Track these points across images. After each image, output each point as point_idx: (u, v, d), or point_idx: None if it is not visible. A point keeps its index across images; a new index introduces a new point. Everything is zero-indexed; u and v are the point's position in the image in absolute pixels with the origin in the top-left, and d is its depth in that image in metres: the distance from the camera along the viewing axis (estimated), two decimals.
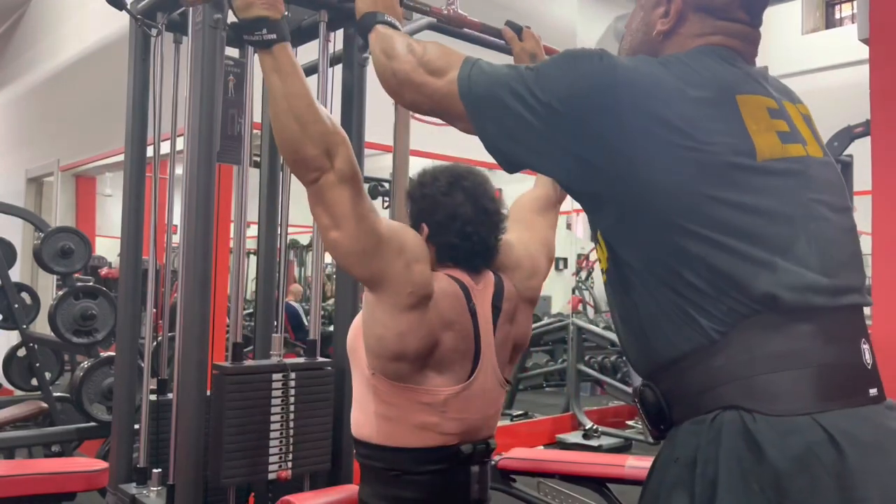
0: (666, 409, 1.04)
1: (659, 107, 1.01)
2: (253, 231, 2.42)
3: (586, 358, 5.65)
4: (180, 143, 1.88)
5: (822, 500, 0.91)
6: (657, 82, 1.03)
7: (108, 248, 7.38)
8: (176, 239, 2.01)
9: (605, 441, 5.23)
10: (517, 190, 1.56)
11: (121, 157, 2.24)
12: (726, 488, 0.93)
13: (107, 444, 3.37)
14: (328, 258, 2.03)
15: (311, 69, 2.23)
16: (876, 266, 2.89)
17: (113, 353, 2.96)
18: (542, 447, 4.90)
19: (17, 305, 4.17)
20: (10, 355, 4.42)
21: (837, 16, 9.13)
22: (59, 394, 3.99)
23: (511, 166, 1.16)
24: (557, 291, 7.43)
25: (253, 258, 2.53)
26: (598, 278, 7.55)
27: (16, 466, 2.50)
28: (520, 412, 5.54)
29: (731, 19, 1.13)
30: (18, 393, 4.43)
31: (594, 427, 5.30)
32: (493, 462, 1.59)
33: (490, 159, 1.17)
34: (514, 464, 2.37)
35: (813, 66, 7.92)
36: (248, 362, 1.86)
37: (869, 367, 1.01)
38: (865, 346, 1.02)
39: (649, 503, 1.04)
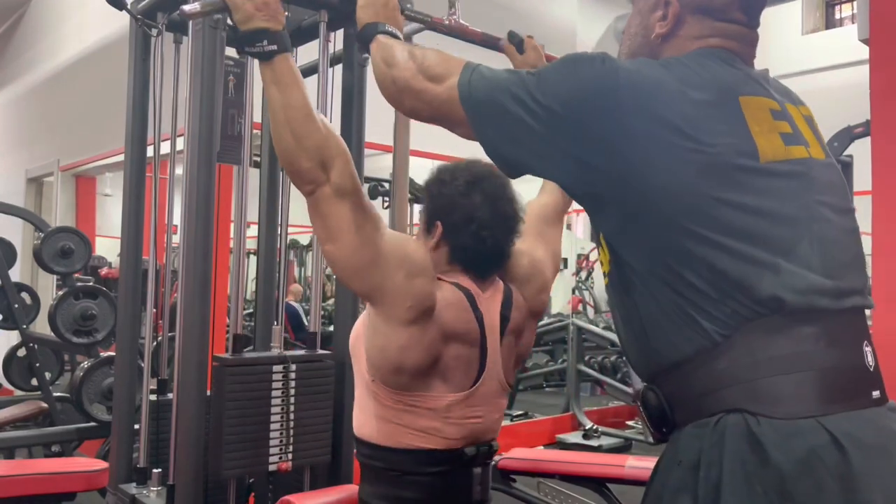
0: (668, 412, 1.04)
1: (661, 109, 1.01)
2: (253, 231, 2.42)
3: (586, 358, 5.65)
4: (180, 143, 1.88)
5: (826, 502, 0.91)
6: (659, 84, 1.03)
7: (108, 248, 7.39)
8: (176, 239, 2.01)
9: (605, 441, 5.23)
10: (524, 190, 1.54)
11: (121, 157, 2.24)
12: (730, 491, 0.93)
13: (107, 444, 3.37)
14: None
15: (311, 69, 2.23)
16: (876, 266, 2.89)
17: (113, 353, 2.96)
18: (542, 447, 4.90)
19: (17, 305, 4.17)
20: (10, 355, 4.42)
21: (837, 16, 9.13)
22: (59, 394, 3.99)
23: (512, 170, 1.16)
24: (557, 291, 7.42)
25: (253, 258, 2.54)
26: (599, 278, 7.56)
27: (16, 466, 2.50)
28: (520, 412, 5.54)
29: (729, 20, 1.13)
30: (18, 393, 4.43)
31: (594, 427, 5.31)
32: (493, 462, 1.58)
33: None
34: (514, 464, 2.37)
35: (813, 67, 7.92)
36: (249, 354, 1.86)
37: (871, 369, 1.01)
38: (868, 349, 1.02)
39: None
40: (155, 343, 2.46)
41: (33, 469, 2.29)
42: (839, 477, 0.91)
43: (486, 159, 1.17)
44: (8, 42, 8.21)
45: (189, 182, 1.78)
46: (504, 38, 1.77)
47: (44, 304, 4.57)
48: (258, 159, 2.33)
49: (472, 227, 1.44)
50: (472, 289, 1.45)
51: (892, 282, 2.77)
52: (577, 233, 8.72)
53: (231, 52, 1.99)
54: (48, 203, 7.12)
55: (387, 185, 5.43)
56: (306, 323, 6.29)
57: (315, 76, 1.98)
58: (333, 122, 1.97)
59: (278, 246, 2.33)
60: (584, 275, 7.96)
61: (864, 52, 3.26)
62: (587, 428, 5.32)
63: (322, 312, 2.20)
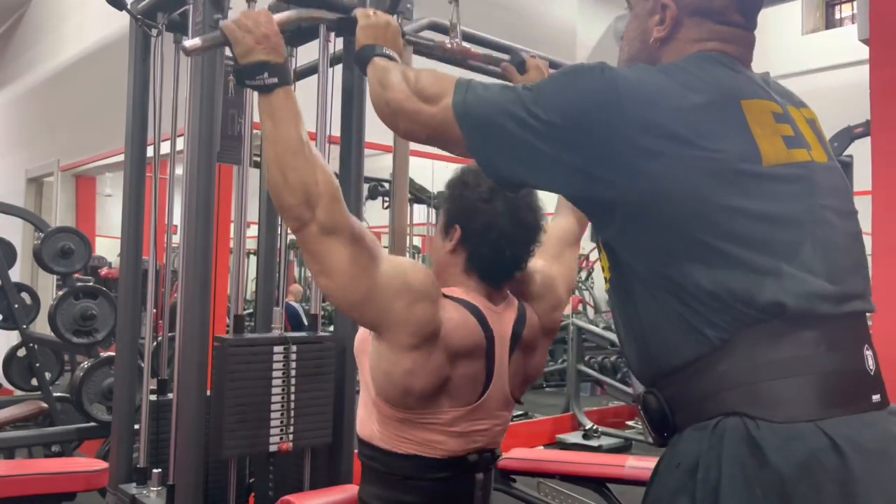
0: (669, 416, 1.04)
1: (664, 116, 1.00)
2: (253, 231, 2.42)
3: (586, 358, 5.65)
4: (180, 144, 1.88)
5: None
6: (660, 91, 1.03)
7: (108, 248, 7.38)
8: (176, 239, 2.01)
9: (605, 441, 5.23)
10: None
11: (121, 157, 2.24)
12: (729, 494, 0.93)
13: (107, 444, 3.37)
14: None
15: (311, 69, 2.23)
16: (876, 266, 2.89)
17: (113, 353, 2.96)
18: (542, 447, 4.90)
19: (17, 305, 4.17)
20: (10, 355, 4.42)
21: (837, 16, 9.13)
22: (59, 394, 3.99)
23: (509, 187, 1.16)
24: None
25: (253, 258, 2.54)
26: (599, 278, 7.55)
27: (16, 466, 2.51)
28: (520, 412, 5.54)
29: (727, 23, 1.12)
30: (18, 393, 4.43)
31: (594, 427, 5.31)
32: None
33: None
34: (514, 464, 2.38)
35: (813, 67, 7.91)
36: (250, 335, 1.86)
37: (872, 373, 1.01)
38: (868, 353, 1.02)
39: None
40: (155, 343, 2.46)
41: (33, 469, 2.30)
42: (838, 481, 0.91)
43: None
44: (8, 42, 8.21)
45: (189, 182, 1.78)
46: (506, 60, 1.76)
47: (44, 304, 4.57)
48: (258, 159, 2.33)
49: (491, 235, 1.41)
50: (483, 304, 1.42)
51: (892, 282, 2.77)
52: None
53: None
54: (48, 203, 7.12)
55: (387, 185, 5.43)
56: (306, 323, 6.30)
57: (315, 76, 1.98)
58: (333, 122, 1.99)
59: (278, 246, 2.33)
60: (584, 275, 7.96)
61: (864, 52, 3.26)
62: (587, 428, 5.32)
63: (322, 312, 2.19)
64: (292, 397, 1.80)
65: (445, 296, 1.41)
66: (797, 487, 0.91)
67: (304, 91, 2.06)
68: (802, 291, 0.98)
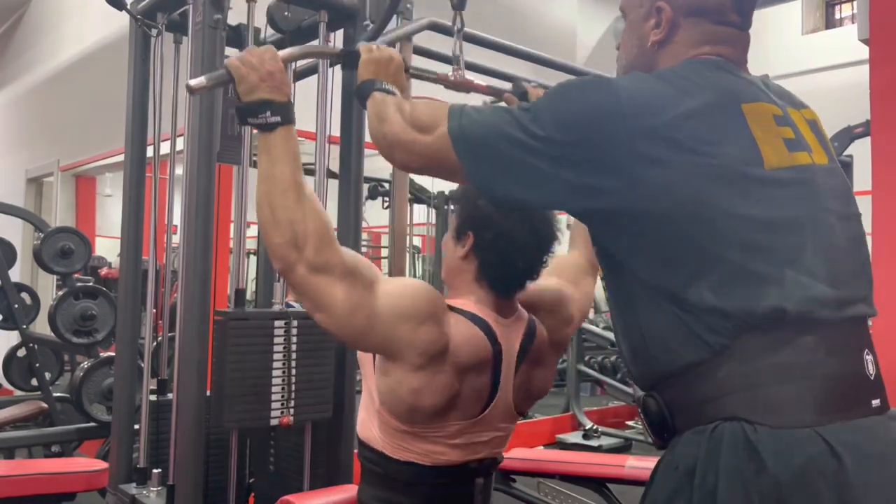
0: (669, 419, 1.04)
1: (665, 123, 1.00)
2: (253, 231, 2.42)
3: (586, 358, 5.65)
4: (180, 144, 1.88)
5: None
6: (660, 99, 1.03)
7: (108, 248, 7.38)
8: (176, 239, 2.02)
9: (605, 441, 5.23)
10: None
11: (121, 157, 2.24)
12: (726, 498, 0.93)
13: (107, 444, 3.37)
14: None
15: (311, 69, 2.23)
16: (876, 267, 2.87)
17: (113, 353, 2.96)
18: (542, 447, 4.90)
19: (17, 305, 4.17)
20: (10, 355, 4.42)
21: (837, 16, 9.13)
22: (59, 394, 3.99)
23: (510, 207, 1.16)
24: None
25: (253, 258, 2.54)
26: (599, 278, 7.54)
27: (16, 466, 2.51)
28: None
29: (724, 22, 1.12)
30: (18, 393, 4.43)
31: (594, 427, 5.30)
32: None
33: None
34: (514, 464, 2.38)
35: (813, 67, 7.91)
36: (251, 309, 1.87)
37: (872, 377, 1.01)
38: (869, 357, 1.02)
39: None
40: (155, 343, 2.46)
41: (33, 469, 2.30)
42: (835, 486, 0.91)
43: None
44: (8, 42, 8.21)
45: (189, 182, 1.78)
46: (508, 91, 1.77)
47: (44, 304, 4.57)
48: (258, 159, 2.33)
49: (504, 246, 1.40)
50: (492, 317, 1.41)
51: (892, 282, 2.76)
52: None
53: (231, 51, 1.99)
54: (48, 203, 7.12)
55: (387, 185, 5.43)
56: None
57: (315, 76, 1.98)
58: (333, 122, 1.99)
59: None
60: None
61: (864, 52, 3.26)
62: (587, 428, 5.31)
63: None
64: (293, 372, 1.81)
65: (452, 308, 1.39)
66: (794, 493, 0.91)
67: (304, 91, 2.07)
68: (804, 296, 0.97)
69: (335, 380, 1.89)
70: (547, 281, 1.53)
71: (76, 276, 4.20)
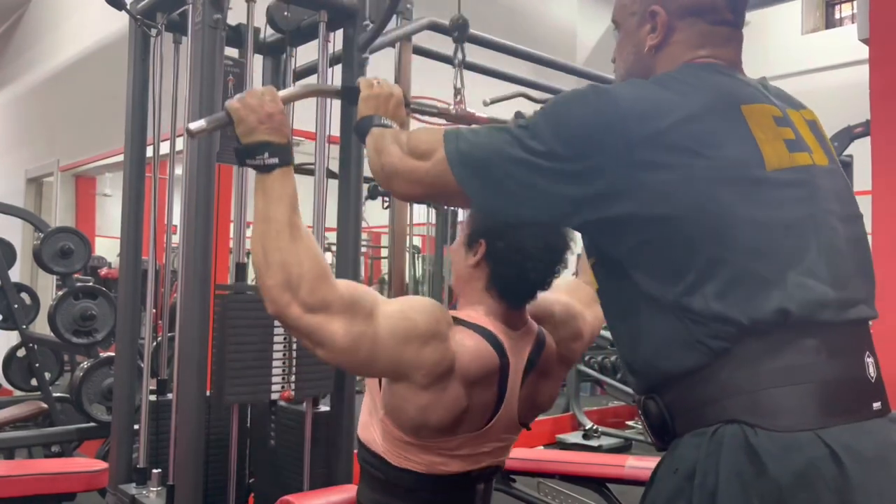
0: (669, 421, 1.03)
1: (666, 128, 1.00)
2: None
3: (586, 358, 5.64)
4: (180, 144, 1.88)
5: None
6: (659, 104, 1.02)
7: (108, 248, 7.38)
8: (176, 239, 2.02)
9: (605, 441, 5.23)
10: None
11: (121, 157, 2.24)
12: (726, 500, 0.92)
13: (107, 444, 3.37)
14: (329, 256, 2.04)
15: (311, 69, 2.23)
16: (876, 266, 2.88)
17: (113, 354, 2.96)
18: (542, 447, 4.90)
19: (16, 305, 4.17)
20: (10, 355, 4.42)
21: (837, 16, 9.13)
22: (58, 394, 3.99)
23: (515, 224, 1.15)
24: None
25: None
26: None
27: (16, 466, 2.51)
28: None
29: (718, 21, 1.12)
30: (18, 393, 4.43)
31: (594, 427, 5.30)
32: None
33: None
34: (514, 464, 2.37)
35: (813, 66, 7.92)
36: (252, 284, 1.88)
37: (873, 380, 1.01)
38: (870, 360, 1.01)
39: None
40: (155, 343, 2.46)
41: (33, 469, 2.30)
42: (836, 490, 0.90)
43: None
44: (8, 42, 8.21)
45: (189, 182, 1.78)
46: (509, 122, 1.77)
47: (44, 304, 4.57)
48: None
49: (516, 257, 1.38)
50: (500, 329, 1.39)
51: (892, 282, 2.76)
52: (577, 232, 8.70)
53: (231, 51, 1.99)
54: (48, 203, 7.12)
55: None
56: None
57: (315, 76, 1.98)
58: (333, 122, 1.99)
59: None
60: None
61: (864, 51, 3.26)
62: (587, 428, 5.31)
63: None
64: (294, 347, 1.82)
65: (459, 321, 1.38)
66: (795, 496, 0.90)
67: None
68: (806, 298, 0.97)
69: None
70: (558, 296, 1.52)
71: (76, 276, 4.20)
